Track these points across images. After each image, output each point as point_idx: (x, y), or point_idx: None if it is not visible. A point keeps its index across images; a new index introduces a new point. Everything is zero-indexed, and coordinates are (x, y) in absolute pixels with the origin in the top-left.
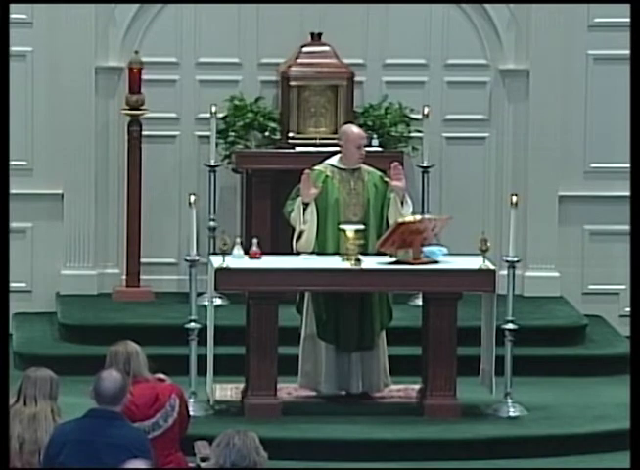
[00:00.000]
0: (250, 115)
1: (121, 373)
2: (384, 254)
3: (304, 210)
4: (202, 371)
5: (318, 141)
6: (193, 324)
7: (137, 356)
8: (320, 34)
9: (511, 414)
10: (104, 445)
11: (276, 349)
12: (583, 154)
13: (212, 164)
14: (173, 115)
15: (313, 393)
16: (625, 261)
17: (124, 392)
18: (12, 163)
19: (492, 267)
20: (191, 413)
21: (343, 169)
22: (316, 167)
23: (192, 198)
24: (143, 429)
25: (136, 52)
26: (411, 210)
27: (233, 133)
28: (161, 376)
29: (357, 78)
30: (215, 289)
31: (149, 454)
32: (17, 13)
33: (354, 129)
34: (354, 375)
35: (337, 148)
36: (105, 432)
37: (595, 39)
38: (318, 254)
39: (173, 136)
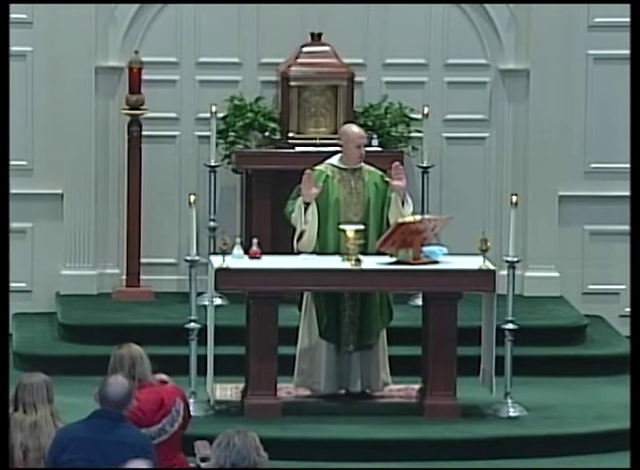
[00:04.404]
0: (250, 115)
1: (127, 379)
2: (384, 254)
3: (305, 209)
4: (202, 371)
5: (318, 141)
6: (193, 324)
7: (142, 360)
8: (320, 34)
9: (511, 414)
10: (111, 443)
11: (276, 349)
12: (583, 154)
13: (212, 164)
14: (173, 115)
15: (312, 392)
16: (625, 261)
17: (130, 398)
18: (12, 163)
19: (492, 267)
20: (191, 413)
21: (344, 169)
22: (317, 167)
23: (192, 198)
24: (149, 435)
25: (136, 52)
26: (411, 209)
27: (233, 133)
28: (163, 377)
29: (357, 78)
30: (215, 289)
31: (153, 456)
32: (17, 13)
33: (354, 129)
34: (354, 374)
35: (337, 148)
36: (112, 431)
37: (595, 39)
38: (318, 253)
39: (173, 136)
